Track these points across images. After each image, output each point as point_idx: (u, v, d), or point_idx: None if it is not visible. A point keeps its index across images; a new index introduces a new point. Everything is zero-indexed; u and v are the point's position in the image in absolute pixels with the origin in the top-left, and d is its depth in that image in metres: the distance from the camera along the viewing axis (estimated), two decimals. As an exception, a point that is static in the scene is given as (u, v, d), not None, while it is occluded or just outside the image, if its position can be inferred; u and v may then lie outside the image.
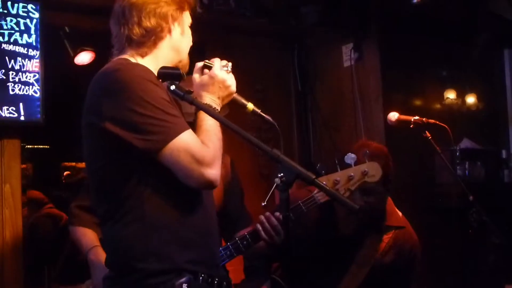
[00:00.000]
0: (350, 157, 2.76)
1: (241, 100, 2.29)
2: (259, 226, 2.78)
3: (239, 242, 2.86)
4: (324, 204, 3.13)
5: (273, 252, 2.99)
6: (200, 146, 2.08)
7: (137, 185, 2.10)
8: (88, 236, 3.10)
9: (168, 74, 2.17)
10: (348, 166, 2.70)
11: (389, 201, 3.23)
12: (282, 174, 2.08)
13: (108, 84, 2.12)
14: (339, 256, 3.11)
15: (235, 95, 2.30)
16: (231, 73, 2.29)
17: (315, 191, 2.56)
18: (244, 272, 3.34)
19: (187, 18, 2.36)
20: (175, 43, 2.32)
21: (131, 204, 2.11)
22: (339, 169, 2.69)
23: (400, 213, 3.25)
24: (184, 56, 2.35)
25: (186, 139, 2.06)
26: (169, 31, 2.29)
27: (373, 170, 2.70)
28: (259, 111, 2.26)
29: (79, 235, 3.13)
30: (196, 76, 2.28)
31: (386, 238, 3.14)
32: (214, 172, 2.08)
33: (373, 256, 3.07)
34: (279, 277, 3.25)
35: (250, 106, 2.26)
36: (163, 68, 2.19)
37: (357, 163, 2.71)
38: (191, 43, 2.38)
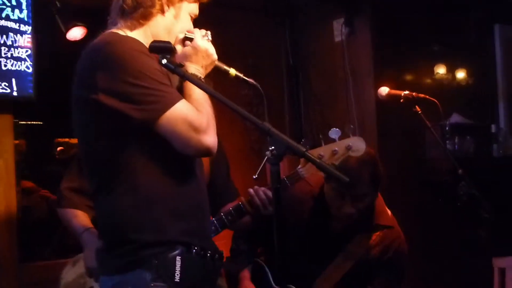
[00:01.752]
0: (335, 132, 2.76)
1: (223, 67, 2.30)
2: (247, 198, 2.81)
3: (224, 217, 2.89)
4: (319, 195, 3.17)
5: (259, 236, 3.02)
6: (196, 114, 2.10)
7: (131, 157, 2.12)
8: (81, 218, 3.10)
9: (160, 47, 2.15)
10: (333, 140, 2.69)
11: (380, 200, 3.25)
12: (272, 147, 2.10)
13: (101, 57, 2.12)
14: (326, 248, 3.15)
15: (216, 62, 2.30)
16: (210, 42, 2.30)
17: (299, 166, 2.56)
18: (229, 253, 3.35)
19: (188, 7, 2.36)
20: (167, 24, 2.31)
21: (124, 176, 2.12)
22: (323, 144, 2.68)
23: (389, 212, 3.29)
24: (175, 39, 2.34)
25: (182, 108, 2.08)
26: (162, 10, 2.28)
27: (357, 145, 2.69)
28: (241, 75, 2.27)
29: (70, 217, 3.14)
30: (178, 47, 2.29)
31: (375, 235, 3.16)
32: (211, 138, 2.11)
33: (360, 252, 3.09)
34: (263, 261, 3.27)
35: (233, 71, 2.28)
36: (154, 41, 2.17)
37: (341, 137, 2.70)
38: (185, 30, 2.34)
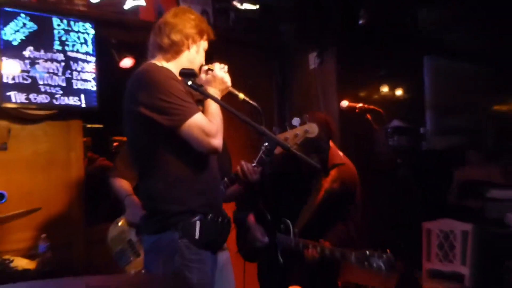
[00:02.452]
0: (296, 120, 2.79)
1: (235, 92, 2.32)
2: (239, 168, 2.78)
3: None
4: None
5: (255, 189, 3.00)
6: (207, 123, 2.13)
7: (163, 152, 2.16)
8: (125, 186, 3.09)
9: (187, 73, 2.20)
10: (295, 127, 2.71)
11: (332, 145, 3.19)
12: (266, 143, 2.13)
13: (142, 81, 2.16)
14: (301, 187, 3.14)
15: (230, 88, 2.32)
16: (227, 73, 2.32)
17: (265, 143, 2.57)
18: (236, 206, 3.33)
19: (204, 43, 2.40)
20: (191, 57, 2.34)
21: (159, 165, 2.17)
22: (288, 129, 2.69)
23: (341, 154, 3.21)
24: (196, 67, 2.35)
25: (197, 118, 2.11)
26: (188, 48, 2.32)
27: (311, 129, 2.68)
28: (247, 98, 2.30)
29: (118, 185, 3.11)
30: (202, 75, 2.32)
31: (333, 171, 3.09)
32: (218, 141, 2.14)
33: (325, 186, 3.06)
34: (262, 207, 3.23)
35: (241, 95, 2.30)
36: (183, 69, 2.22)
37: (301, 124, 2.72)
38: (202, 61, 2.39)
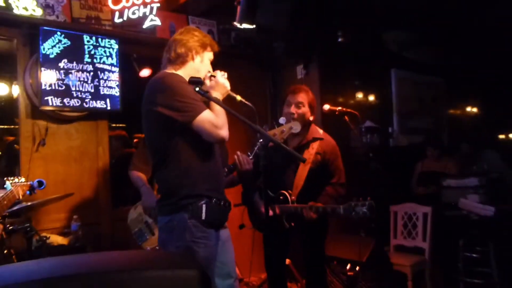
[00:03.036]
0: (282, 119, 2.80)
1: (233, 94, 2.25)
2: (236, 158, 2.76)
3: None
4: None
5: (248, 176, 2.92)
6: (215, 117, 2.10)
7: (176, 144, 2.12)
8: (141, 178, 3.15)
9: (195, 81, 2.18)
10: (281, 125, 2.69)
11: (313, 124, 3.13)
12: (261, 140, 2.07)
13: (159, 85, 2.13)
14: (290, 162, 3.05)
15: (229, 91, 2.26)
16: (227, 79, 2.27)
17: (260, 140, 2.48)
18: (242, 187, 3.24)
19: (208, 55, 2.35)
20: (196, 66, 2.29)
21: (173, 156, 2.13)
22: (276, 127, 2.66)
23: (321, 131, 3.12)
24: (203, 74, 2.28)
25: (206, 114, 2.08)
26: (192, 58, 2.28)
27: (295, 125, 2.67)
28: (243, 100, 2.23)
29: (136, 176, 3.17)
30: (206, 81, 2.25)
31: (315, 145, 3.02)
32: (225, 132, 2.11)
33: (310, 158, 2.99)
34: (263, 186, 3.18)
35: (238, 97, 2.24)
36: (191, 78, 2.20)
37: (286, 122, 2.69)
38: (207, 70, 2.33)
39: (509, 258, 4.03)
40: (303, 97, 3.02)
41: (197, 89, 2.13)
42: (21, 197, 2.61)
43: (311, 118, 3.07)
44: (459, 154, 5.23)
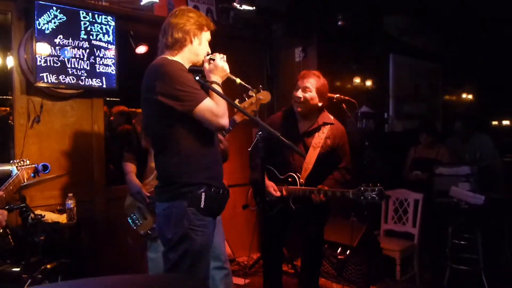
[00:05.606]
0: (251, 92, 2.67)
1: (232, 77, 2.22)
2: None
3: None
4: (287, 110, 3.23)
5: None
6: (215, 106, 2.07)
7: (176, 133, 2.09)
8: (130, 167, 3.16)
9: (195, 70, 2.16)
10: (251, 96, 2.59)
11: (325, 111, 3.16)
12: (260, 132, 2.06)
13: (158, 73, 2.07)
14: (300, 144, 3.07)
15: (228, 74, 2.23)
16: (226, 62, 2.23)
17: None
18: (250, 169, 3.23)
19: (206, 35, 2.28)
20: (195, 50, 2.23)
21: (172, 144, 2.10)
22: (246, 100, 2.61)
23: (332, 117, 3.16)
24: (201, 58, 2.25)
25: (207, 102, 2.05)
26: (191, 42, 2.21)
27: (264, 96, 2.64)
28: (243, 83, 2.21)
29: (125, 165, 3.18)
30: (206, 65, 2.21)
31: (325, 129, 3.06)
32: (225, 120, 2.09)
33: (320, 142, 3.02)
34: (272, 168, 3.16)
35: (238, 80, 2.21)
36: (191, 66, 2.18)
37: (256, 93, 2.61)
38: (206, 51, 2.28)
39: (495, 246, 4.12)
40: (311, 82, 3.05)
41: (197, 78, 2.10)
42: (26, 181, 2.58)
43: (319, 104, 3.08)
44: (453, 134, 5.16)
